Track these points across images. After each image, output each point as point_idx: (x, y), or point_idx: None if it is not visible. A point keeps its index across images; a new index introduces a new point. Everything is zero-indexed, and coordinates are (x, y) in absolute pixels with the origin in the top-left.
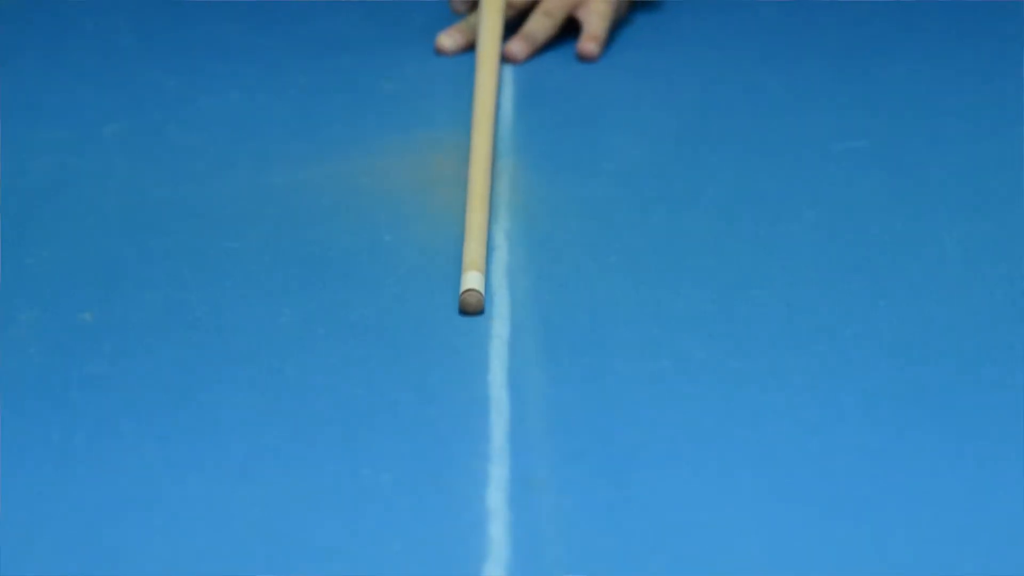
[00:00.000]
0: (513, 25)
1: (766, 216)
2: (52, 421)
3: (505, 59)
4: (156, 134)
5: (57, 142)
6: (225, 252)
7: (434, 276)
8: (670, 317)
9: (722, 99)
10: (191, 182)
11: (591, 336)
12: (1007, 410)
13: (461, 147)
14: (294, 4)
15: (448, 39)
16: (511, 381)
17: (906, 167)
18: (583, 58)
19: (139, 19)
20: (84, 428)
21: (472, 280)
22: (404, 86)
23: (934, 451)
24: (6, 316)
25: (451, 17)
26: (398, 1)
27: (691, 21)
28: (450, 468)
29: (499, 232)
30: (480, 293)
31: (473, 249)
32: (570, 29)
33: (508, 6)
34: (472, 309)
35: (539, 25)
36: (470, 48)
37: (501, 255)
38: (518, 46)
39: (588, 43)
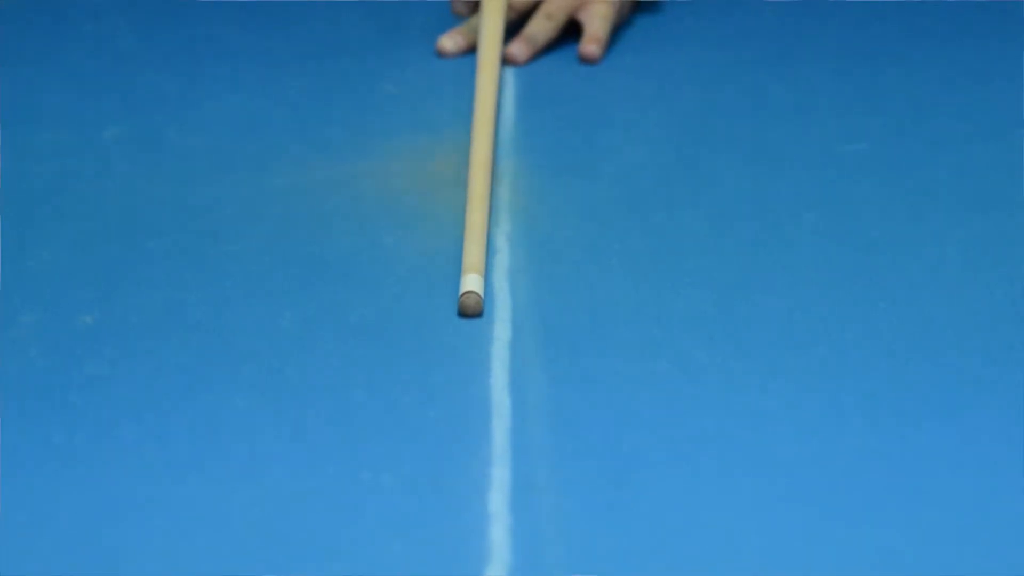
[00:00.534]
0: (514, 27)
1: (767, 218)
2: (53, 422)
3: (506, 61)
4: (156, 137)
5: (57, 145)
6: (225, 254)
7: (435, 278)
8: (671, 319)
9: (723, 101)
10: (191, 184)
11: (592, 338)
12: (1008, 411)
13: (462, 149)
14: (294, 6)
15: (449, 41)
16: (512, 383)
17: (907, 169)
18: (585, 60)
19: (139, 22)
20: (85, 429)
21: (471, 282)
22: (405, 88)
23: (935, 452)
24: (7, 318)
25: (452, 19)
26: (399, 3)
27: (692, 23)
28: (451, 470)
29: (500, 235)
30: (479, 295)
31: (472, 251)
32: (571, 31)
33: (509, 8)
34: (471, 311)
35: (540, 27)
36: (471, 50)
37: (502, 257)
38: (519, 48)
39: (590, 45)
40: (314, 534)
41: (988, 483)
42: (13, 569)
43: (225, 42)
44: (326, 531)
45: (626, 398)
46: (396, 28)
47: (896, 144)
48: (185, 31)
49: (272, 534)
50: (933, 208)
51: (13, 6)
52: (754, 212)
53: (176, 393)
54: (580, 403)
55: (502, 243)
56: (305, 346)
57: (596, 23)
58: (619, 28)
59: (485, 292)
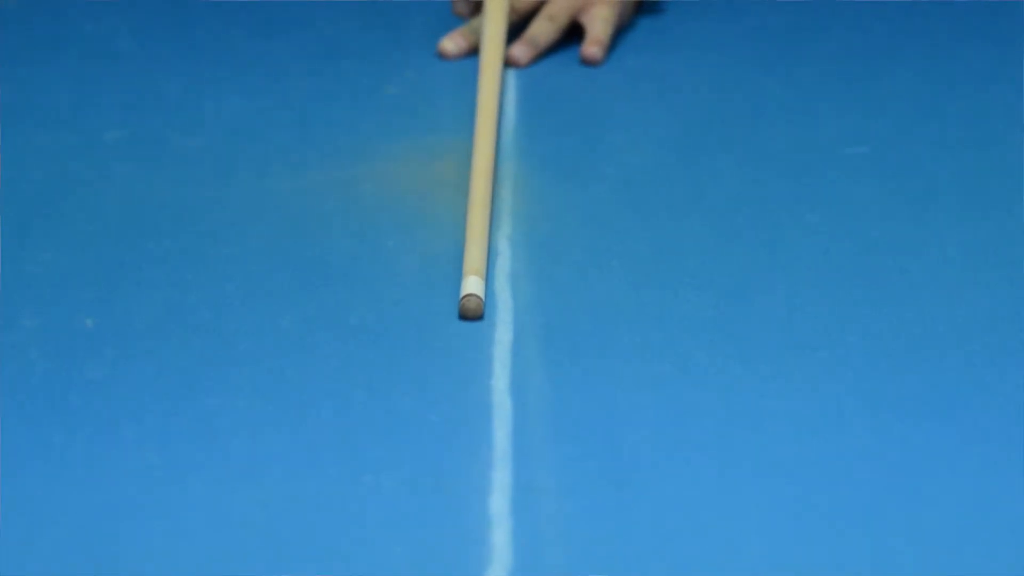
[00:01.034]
0: (516, 29)
1: (768, 221)
2: (53, 424)
3: (508, 63)
4: (158, 139)
5: (58, 147)
6: (226, 257)
7: (436, 281)
8: (672, 321)
9: (725, 104)
10: (193, 187)
11: (594, 341)
12: (1010, 413)
13: (464, 152)
14: (296, 9)
15: (451, 43)
16: (514, 386)
17: (908, 171)
18: (587, 62)
19: (140, 24)
20: (85, 431)
21: (472, 285)
22: (407, 91)
23: (936, 454)
24: (8, 320)
25: (453, 22)
26: (400, 6)
27: (694, 26)
28: (453, 473)
29: (502, 237)
30: (480, 298)
31: (473, 254)
32: (573, 33)
33: (511, 11)
34: (472, 314)
35: (542, 29)
36: (473, 52)
37: (504, 260)
38: (521, 50)
39: (592, 47)
40: (315, 536)
41: (989, 484)
42: (14, 571)
43: (226, 44)
44: (327, 533)
45: (627, 400)
46: (398, 31)
47: (897, 146)
48: (186, 33)
49: (272, 536)
50: (934, 210)
51: (15, 8)
52: (755, 214)
53: (176, 395)
54: (581, 405)
55: (503, 245)
56: (306, 348)
57: (598, 25)
58: (621, 31)
59: (486, 294)
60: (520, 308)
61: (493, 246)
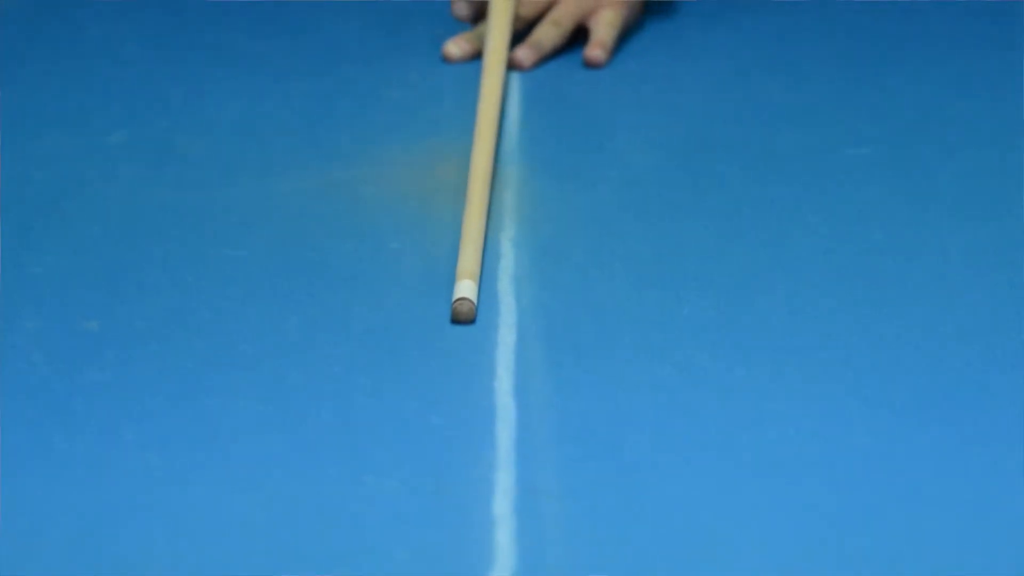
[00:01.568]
0: (520, 36)
1: (771, 223)
2: (55, 427)
3: (511, 66)
4: (161, 142)
5: (63, 149)
6: (229, 259)
7: (439, 283)
8: (675, 323)
9: (728, 107)
10: (196, 189)
11: (596, 342)
12: (1012, 415)
13: (466, 155)
14: (300, 13)
15: (455, 47)
16: (517, 388)
17: (911, 174)
18: (590, 64)
19: (145, 27)
20: (87, 434)
21: (464, 289)
22: (410, 94)
23: (939, 456)
24: (11, 322)
25: (456, 26)
26: (403, 10)
27: (697, 29)
28: (456, 475)
29: (504, 240)
30: (472, 302)
31: (467, 257)
32: (578, 38)
33: (517, 19)
34: (463, 318)
35: (547, 33)
36: (477, 56)
37: (507, 263)
38: (524, 53)
39: (595, 49)
40: (317, 538)
41: (991, 486)
42: (16, 567)
43: (231, 48)
44: (329, 535)
45: (630, 401)
46: (400, 34)
47: (900, 149)
48: (191, 37)
49: (275, 538)
50: (936, 212)
51: (20, 10)
52: (758, 217)
53: (178, 397)
54: (584, 407)
55: (506, 248)
56: (308, 350)
57: (603, 29)
58: (626, 35)
59: (489, 297)
60: (523, 310)
61: (496, 248)
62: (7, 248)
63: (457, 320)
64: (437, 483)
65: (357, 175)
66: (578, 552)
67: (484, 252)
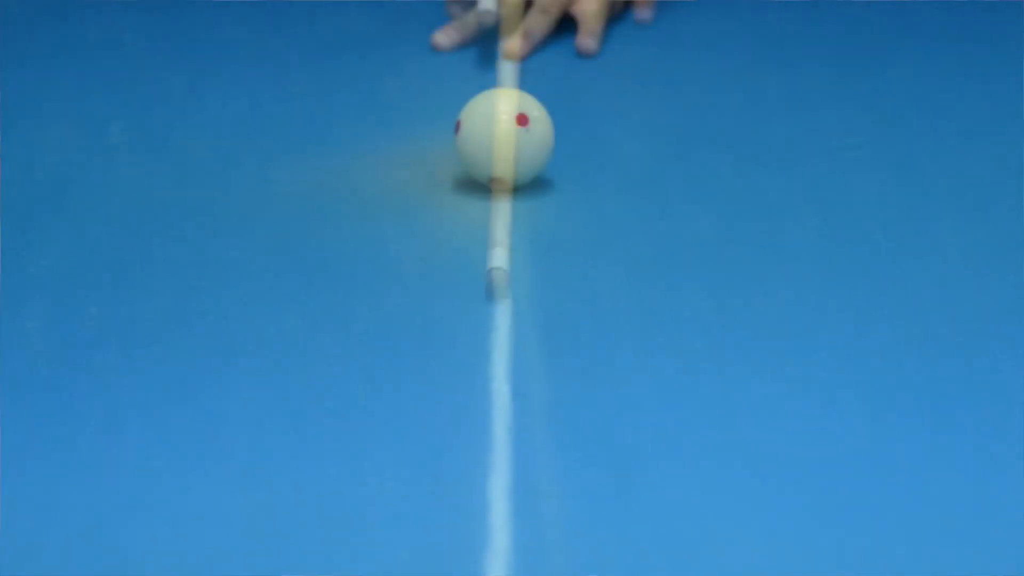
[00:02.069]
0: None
1: (767, 216)
2: (57, 420)
3: (504, 57)
4: (162, 134)
5: (63, 141)
6: (229, 251)
7: (436, 273)
8: (672, 315)
9: (723, 100)
10: (196, 180)
11: (593, 333)
12: (1007, 410)
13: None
14: (298, 5)
15: (444, 37)
16: (513, 378)
17: (906, 168)
18: (582, 54)
19: (145, 19)
20: (87, 429)
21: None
22: (407, 85)
23: (935, 451)
24: (12, 315)
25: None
26: (400, 2)
27: (691, 21)
28: (452, 468)
29: (501, 229)
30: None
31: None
32: (563, 24)
33: (503, 5)
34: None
35: (536, 22)
36: (465, 46)
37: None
38: (517, 44)
39: (586, 39)
40: (315, 530)
41: (988, 479)
42: (16, 566)
43: (229, 40)
44: (327, 527)
45: (627, 394)
46: (397, 26)
47: (896, 144)
48: (191, 29)
49: (272, 533)
50: (932, 205)
51: (20, 3)
52: (753, 209)
53: (179, 390)
54: (581, 399)
55: (503, 238)
56: (306, 344)
57: (590, 17)
58: (613, 22)
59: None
60: (520, 300)
61: (492, 238)
62: (7, 240)
63: (492, 292)
64: (434, 476)
65: (355, 166)
66: (574, 544)
67: (478, 242)
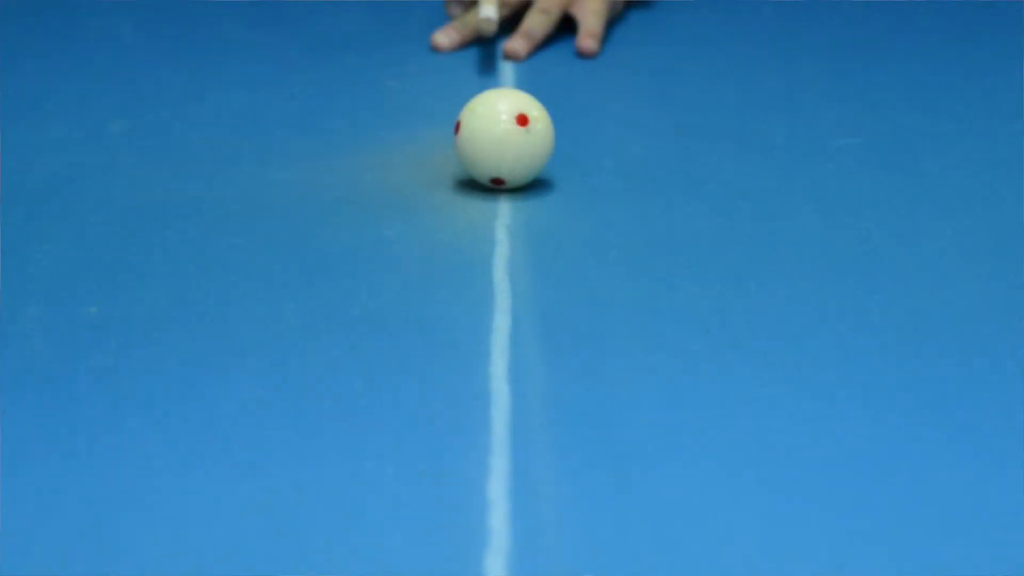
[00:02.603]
0: (506, 23)
1: (764, 211)
2: (57, 414)
3: (507, 57)
4: (162, 131)
5: (63, 138)
6: (229, 247)
7: (435, 270)
8: (669, 311)
9: (720, 96)
10: (196, 178)
11: (591, 329)
12: (1004, 405)
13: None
14: (298, 5)
15: (444, 37)
16: (512, 374)
17: (902, 164)
18: (583, 54)
19: (145, 17)
20: (88, 422)
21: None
22: (407, 83)
23: (933, 446)
24: (12, 310)
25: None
26: (400, 1)
27: (689, 19)
28: (451, 460)
29: (500, 227)
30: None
31: None
32: (564, 24)
33: (503, 5)
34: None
35: (537, 22)
36: (465, 46)
37: (502, 249)
38: (519, 43)
39: (587, 40)
40: (314, 523)
41: (986, 481)
42: (17, 561)
43: (229, 38)
44: (326, 519)
45: (624, 388)
46: (397, 25)
47: (892, 139)
48: (190, 27)
49: (272, 524)
50: (929, 202)
51: (19, 3)
52: (751, 205)
53: (179, 385)
54: (579, 393)
55: (502, 235)
56: (307, 337)
57: (590, 18)
58: (614, 23)
59: (484, 283)
60: (518, 297)
61: (491, 235)
62: (8, 236)
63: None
64: (432, 468)
65: (355, 163)
66: (572, 536)
67: (478, 241)
